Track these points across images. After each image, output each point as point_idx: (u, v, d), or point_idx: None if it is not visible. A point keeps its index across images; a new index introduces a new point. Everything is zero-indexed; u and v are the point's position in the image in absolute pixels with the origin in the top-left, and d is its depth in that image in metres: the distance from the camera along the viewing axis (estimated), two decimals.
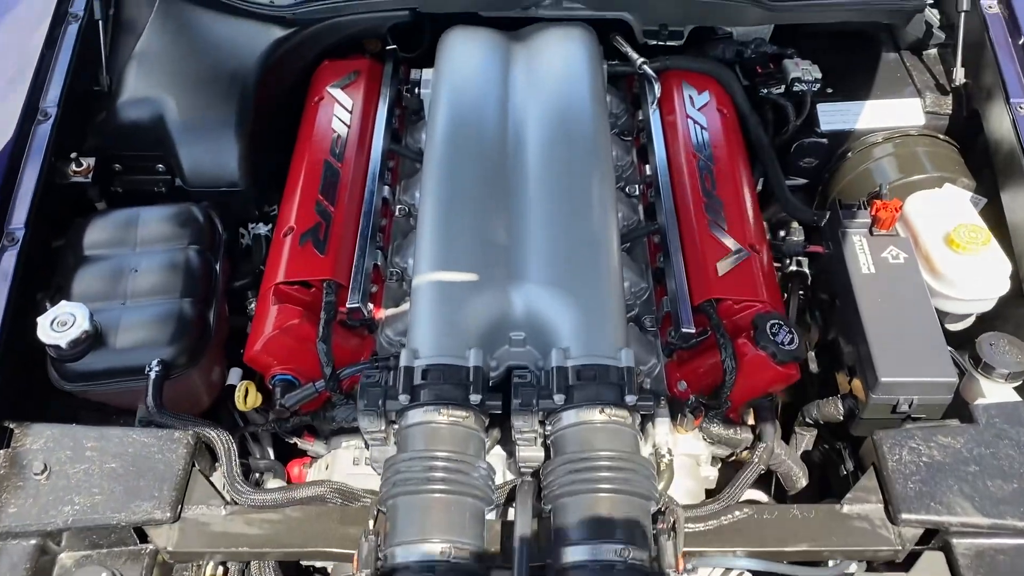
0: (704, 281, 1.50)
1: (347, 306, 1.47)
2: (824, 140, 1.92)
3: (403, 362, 1.29)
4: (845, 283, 1.53)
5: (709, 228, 1.57)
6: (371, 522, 1.21)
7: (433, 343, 1.32)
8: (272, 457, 1.59)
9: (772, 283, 1.55)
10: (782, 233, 1.70)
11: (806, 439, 1.60)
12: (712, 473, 1.46)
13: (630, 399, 1.26)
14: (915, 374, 1.39)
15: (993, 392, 1.43)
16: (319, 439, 1.53)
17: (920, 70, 1.98)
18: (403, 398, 1.26)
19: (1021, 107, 1.67)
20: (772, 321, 1.43)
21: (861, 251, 1.55)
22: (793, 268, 1.79)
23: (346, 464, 1.45)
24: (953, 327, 1.63)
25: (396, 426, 1.29)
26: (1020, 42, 1.82)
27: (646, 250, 1.66)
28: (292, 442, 1.56)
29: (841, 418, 1.51)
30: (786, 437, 1.63)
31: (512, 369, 1.36)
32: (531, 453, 1.31)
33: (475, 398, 1.26)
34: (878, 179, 1.79)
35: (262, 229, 1.84)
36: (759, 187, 1.86)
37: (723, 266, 1.51)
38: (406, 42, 2.02)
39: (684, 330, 1.44)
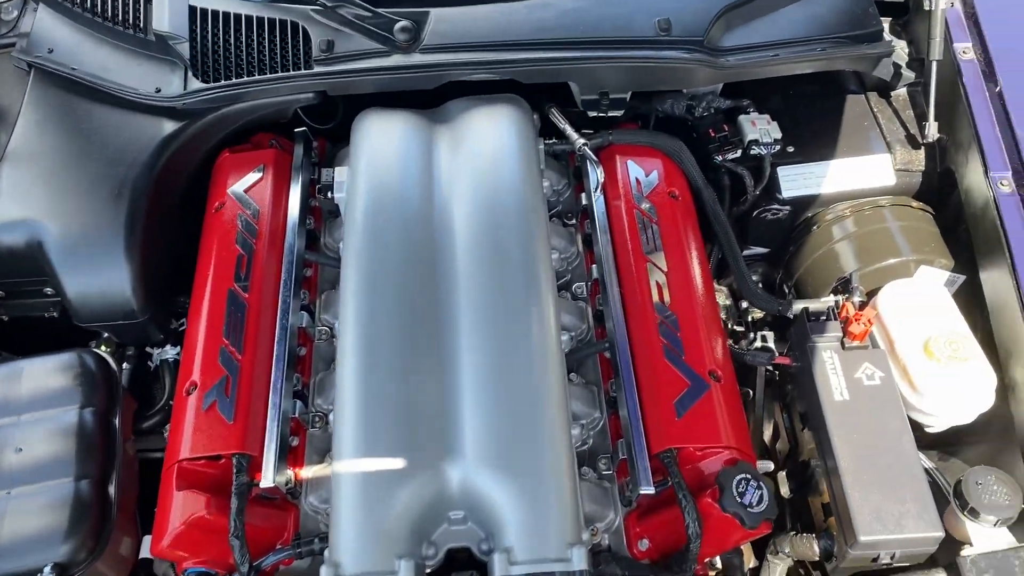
0: (661, 425, 1.34)
1: (261, 486, 1.30)
2: (787, 208, 1.75)
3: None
4: (817, 410, 1.38)
5: (664, 355, 1.41)
6: None
7: (357, 555, 1.16)
8: None
9: (736, 414, 1.40)
10: (743, 343, 1.54)
11: (779, 568, 1.48)
12: None
13: None
14: (897, 531, 1.26)
15: (981, 536, 1.30)
16: None
17: (888, 116, 1.80)
18: None
19: (1002, 183, 1.51)
20: (739, 478, 1.28)
21: (833, 372, 1.40)
22: (759, 344, 1.65)
23: None
24: (932, 430, 1.50)
25: None
26: (997, 90, 1.65)
27: (598, 368, 1.50)
28: None
29: (817, 558, 1.38)
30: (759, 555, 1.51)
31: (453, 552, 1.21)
32: None
33: None
34: (845, 263, 1.63)
35: (170, 353, 1.65)
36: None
37: (681, 407, 1.35)
38: (320, 115, 1.80)
39: (642, 491, 1.29)
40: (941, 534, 1.26)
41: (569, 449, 1.27)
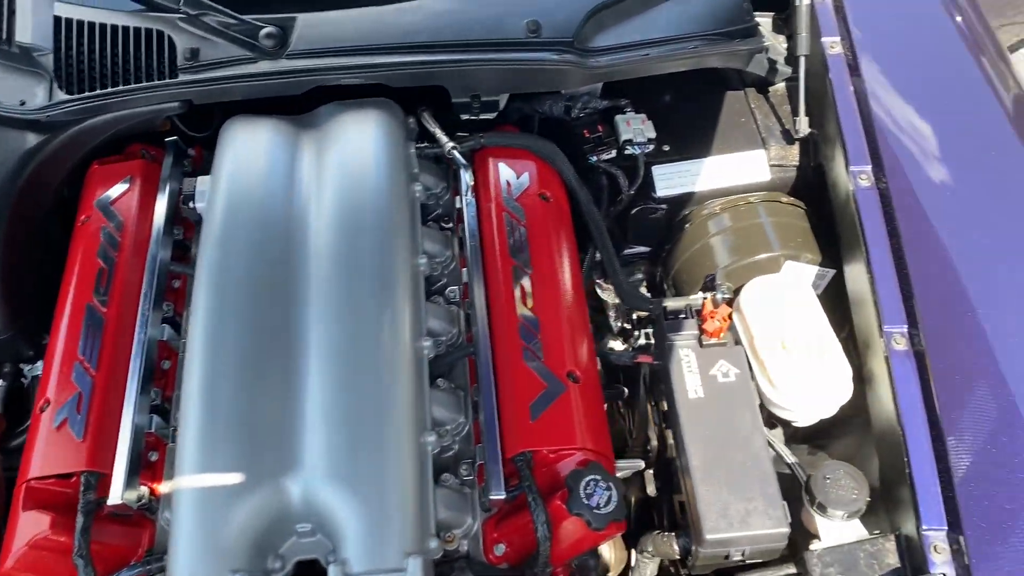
0: (516, 428, 1.34)
1: (109, 503, 1.29)
2: (663, 206, 1.75)
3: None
4: (673, 407, 1.39)
5: (523, 358, 1.40)
6: None
7: (191, 570, 1.15)
8: None
9: (597, 418, 1.40)
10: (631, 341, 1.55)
11: (649, 567, 1.48)
12: None
13: None
14: (743, 529, 1.27)
15: (831, 530, 1.31)
16: None
17: (765, 112, 1.81)
18: None
19: (861, 177, 1.52)
20: (588, 479, 1.28)
21: (689, 369, 1.41)
22: (643, 341, 1.66)
23: None
24: (798, 425, 1.51)
25: None
26: (861, 83, 1.66)
27: (467, 372, 1.49)
28: None
29: (677, 556, 1.39)
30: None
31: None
32: None
33: None
34: (717, 258, 1.64)
35: (41, 369, 1.62)
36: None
37: (536, 409, 1.35)
38: (198, 122, 1.78)
39: (492, 496, 1.29)
40: (786, 531, 1.27)
41: (415, 458, 1.27)
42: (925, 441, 1.26)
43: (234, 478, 1.21)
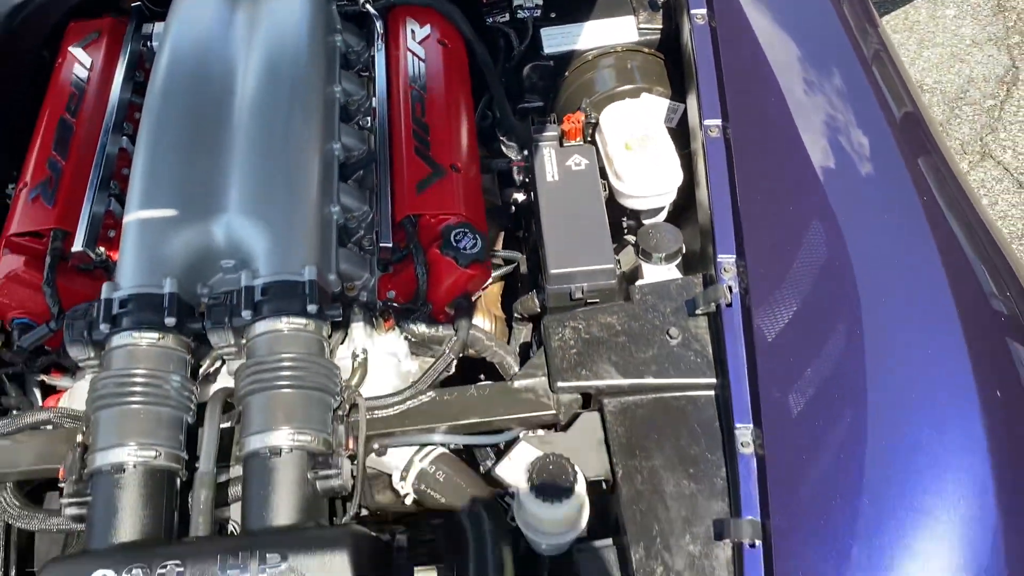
0: (405, 200, 1.67)
1: (72, 250, 1.60)
2: (550, 63, 2.08)
3: (104, 294, 1.44)
4: (535, 189, 1.71)
5: (414, 152, 1.73)
6: (79, 436, 1.37)
7: (133, 275, 1.47)
8: (35, 396, 1.72)
9: (474, 198, 1.72)
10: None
11: (523, 332, 1.80)
12: (413, 367, 1.63)
13: (311, 308, 1.43)
14: (578, 264, 1.58)
15: (653, 273, 1.63)
16: (66, 374, 1.66)
17: None
18: (104, 327, 1.41)
19: (697, 17, 1.85)
20: (457, 230, 1.61)
21: (549, 162, 1.73)
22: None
23: (84, 393, 1.60)
24: (650, 222, 1.83)
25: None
26: None
27: (374, 177, 1.82)
28: (41, 380, 1.69)
29: (539, 310, 1.70)
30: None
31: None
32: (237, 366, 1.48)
33: (170, 321, 1.41)
34: (586, 91, 1.97)
35: None
36: None
37: (421, 186, 1.68)
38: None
39: (382, 244, 1.61)
40: (613, 266, 1.58)
41: (318, 205, 1.58)
42: (728, 209, 1.57)
43: (170, 215, 1.52)
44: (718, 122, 1.68)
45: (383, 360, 1.58)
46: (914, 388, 1.36)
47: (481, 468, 1.53)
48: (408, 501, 1.49)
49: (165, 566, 1.19)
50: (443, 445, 1.50)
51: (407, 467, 1.48)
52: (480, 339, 1.61)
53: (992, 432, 1.31)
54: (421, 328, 1.62)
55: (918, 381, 1.37)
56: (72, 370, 1.66)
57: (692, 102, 1.79)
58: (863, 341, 1.40)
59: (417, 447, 1.49)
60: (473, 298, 1.67)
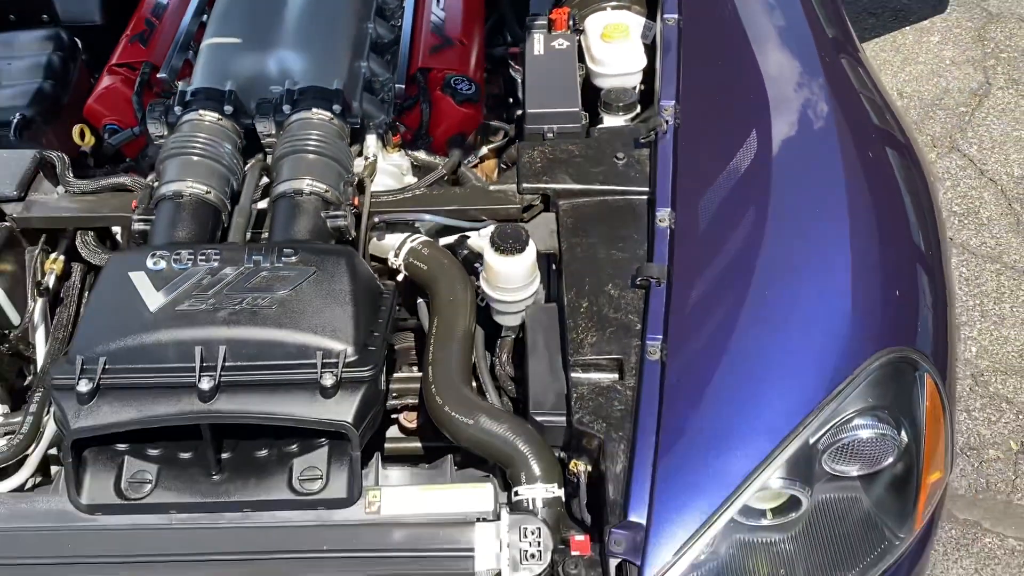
0: (418, 58, 2.11)
1: (156, 76, 2.06)
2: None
3: (180, 88, 1.88)
4: (522, 61, 2.13)
5: (431, 29, 2.18)
6: (150, 178, 1.79)
7: (202, 79, 1.91)
8: None
9: (475, 66, 2.16)
10: None
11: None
12: (413, 181, 2.02)
13: (336, 108, 1.85)
14: (550, 107, 1.98)
15: (612, 122, 2.03)
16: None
17: None
18: (177, 109, 1.85)
19: None
20: (456, 77, 2.03)
21: (537, 43, 2.16)
22: None
23: None
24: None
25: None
26: None
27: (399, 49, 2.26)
28: None
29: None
30: None
31: None
32: None
33: (228, 108, 1.85)
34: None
35: None
36: None
37: (433, 50, 2.12)
38: None
39: (397, 86, 2.04)
40: (579, 110, 1.98)
41: (351, 57, 2.02)
42: (674, 69, 1.97)
43: (235, 42, 1.97)
44: (675, 15, 2.09)
45: (389, 170, 1.98)
46: (795, 187, 1.73)
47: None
48: (399, 278, 1.86)
49: (205, 253, 1.58)
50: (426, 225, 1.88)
51: (400, 246, 1.86)
52: (469, 177, 2.01)
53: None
54: (421, 155, 2.02)
55: (800, 184, 1.74)
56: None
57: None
58: (759, 161, 1.78)
59: (409, 233, 1.88)
60: (467, 139, 2.09)
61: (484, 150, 2.23)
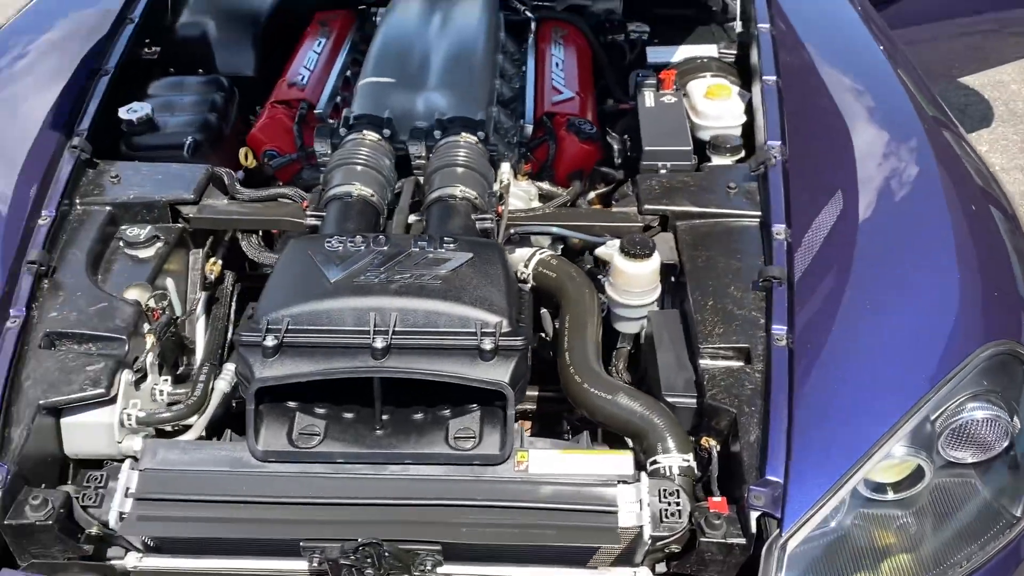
0: (543, 106, 2.38)
1: (313, 112, 2.34)
2: (651, 69, 2.83)
3: (343, 115, 2.15)
4: (636, 114, 2.38)
5: (552, 85, 2.46)
6: (317, 188, 2.02)
7: (362, 108, 2.18)
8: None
9: (592, 116, 2.41)
10: None
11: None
12: (539, 206, 2.23)
13: (480, 134, 2.09)
14: (666, 145, 2.21)
15: (719, 162, 2.26)
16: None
17: (719, 33, 2.91)
18: (342, 130, 2.10)
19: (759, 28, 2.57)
20: (578, 120, 2.29)
21: (648, 98, 2.42)
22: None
23: None
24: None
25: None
26: None
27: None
28: None
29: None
30: None
31: None
32: None
33: (386, 131, 2.10)
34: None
35: None
36: None
37: (556, 101, 2.38)
38: None
39: (526, 126, 2.29)
40: (690, 148, 2.20)
41: (487, 94, 2.28)
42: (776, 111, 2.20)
43: (389, 81, 2.25)
44: (773, 77, 2.35)
45: (519, 195, 2.20)
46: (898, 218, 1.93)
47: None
48: (527, 287, 2.04)
49: (377, 239, 1.78)
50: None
51: (530, 257, 2.05)
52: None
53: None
54: (546, 185, 2.25)
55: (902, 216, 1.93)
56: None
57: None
58: (866, 189, 1.99)
59: (538, 247, 2.07)
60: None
61: (592, 195, 2.45)
